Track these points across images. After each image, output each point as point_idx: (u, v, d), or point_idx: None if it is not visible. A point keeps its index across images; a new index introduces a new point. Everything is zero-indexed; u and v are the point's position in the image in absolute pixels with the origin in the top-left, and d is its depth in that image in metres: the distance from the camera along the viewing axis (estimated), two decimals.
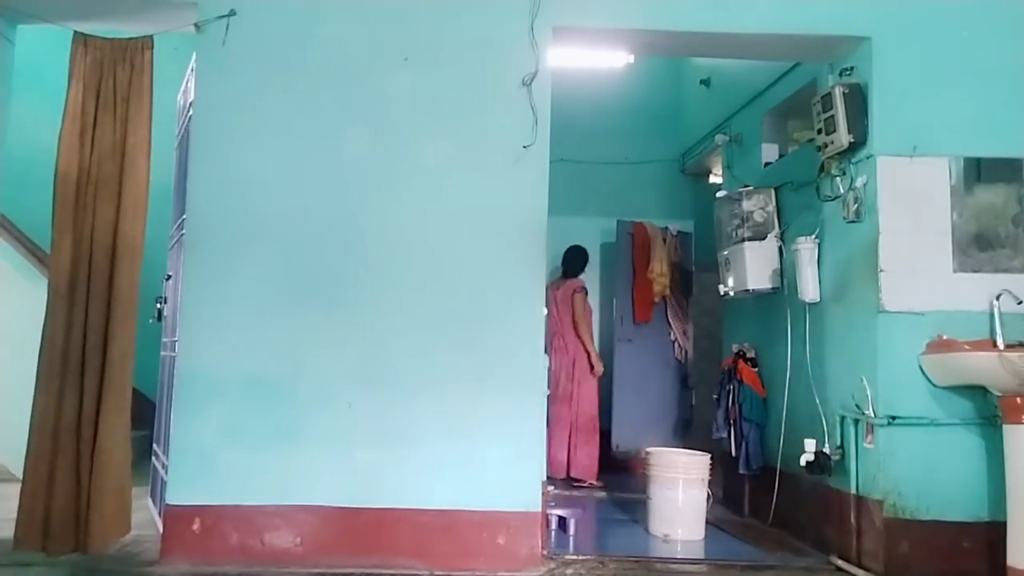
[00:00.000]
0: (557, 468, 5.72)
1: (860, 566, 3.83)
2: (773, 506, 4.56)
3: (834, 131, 3.99)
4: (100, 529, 3.64)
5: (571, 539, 4.34)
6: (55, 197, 3.75)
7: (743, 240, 4.79)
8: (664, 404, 6.79)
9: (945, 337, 3.77)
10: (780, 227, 4.75)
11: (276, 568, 3.59)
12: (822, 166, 4.24)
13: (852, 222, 4.02)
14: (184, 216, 4.01)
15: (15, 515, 3.63)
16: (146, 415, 5.00)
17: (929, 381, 3.79)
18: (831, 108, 3.99)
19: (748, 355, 4.97)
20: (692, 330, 6.97)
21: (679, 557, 4.09)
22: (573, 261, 6.32)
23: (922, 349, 3.79)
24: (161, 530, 3.78)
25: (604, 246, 7.13)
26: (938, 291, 3.83)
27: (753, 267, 4.75)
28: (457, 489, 3.72)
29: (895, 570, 3.69)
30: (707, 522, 4.53)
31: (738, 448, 4.86)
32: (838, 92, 3.97)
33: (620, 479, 6.00)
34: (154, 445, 4.74)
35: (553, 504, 4.42)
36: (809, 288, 4.29)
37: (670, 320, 6.86)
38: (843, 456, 4.02)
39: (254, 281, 3.81)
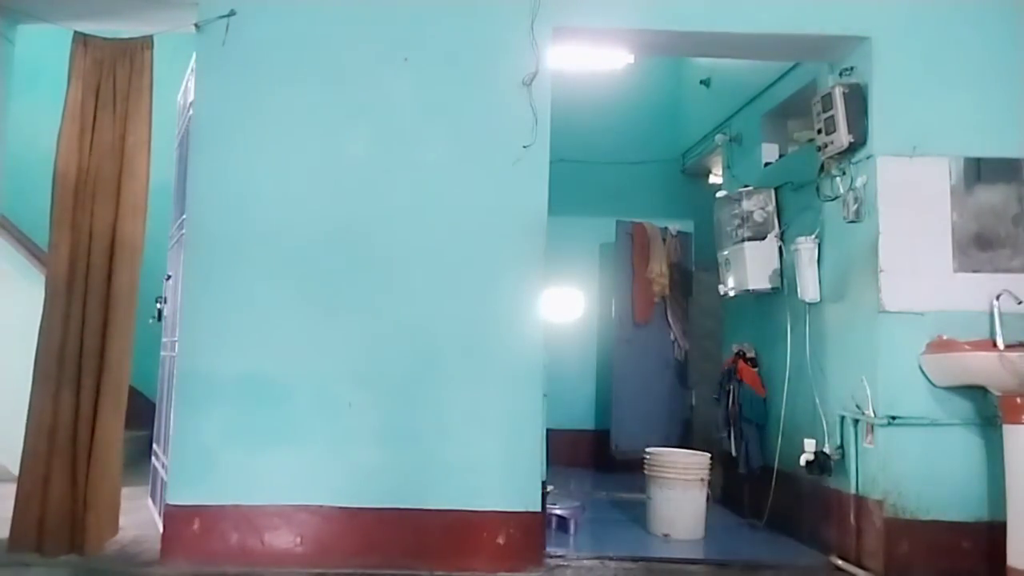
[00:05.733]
0: None
1: (860, 566, 3.83)
2: (773, 506, 4.55)
3: (834, 131, 3.99)
4: (96, 530, 3.65)
5: (571, 539, 4.34)
6: (54, 196, 3.75)
7: (743, 240, 4.79)
8: (664, 404, 6.79)
9: (945, 337, 3.77)
10: (780, 227, 4.75)
11: (276, 568, 3.59)
12: (822, 166, 4.24)
13: (852, 222, 4.02)
14: (184, 216, 4.00)
15: (10, 516, 3.63)
16: (146, 415, 5.00)
17: (929, 381, 3.79)
18: (831, 108, 3.99)
19: (748, 355, 4.97)
20: (692, 330, 6.97)
21: (679, 557, 4.08)
22: None
23: (922, 349, 3.79)
24: (161, 530, 3.78)
25: (604, 246, 7.13)
26: (938, 291, 3.83)
27: (753, 267, 4.75)
28: (457, 489, 3.72)
29: (895, 570, 3.69)
30: (707, 522, 4.53)
31: (738, 448, 4.86)
32: (838, 92, 3.97)
33: (620, 479, 6.00)
34: (154, 445, 4.74)
35: (553, 504, 4.42)
36: (809, 288, 4.29)
37: (670, 320, 6.86)
38: (843, 456, 4.02)
39: (254, 281, 3.81)
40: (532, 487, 3.76)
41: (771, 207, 4.78)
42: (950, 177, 3.91)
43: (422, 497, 3.70)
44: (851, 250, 4.06)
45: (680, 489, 4.46)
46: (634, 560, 3.99)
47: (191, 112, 4.00)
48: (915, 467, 3.74)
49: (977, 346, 3.68)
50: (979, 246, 3.87)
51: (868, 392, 3.82)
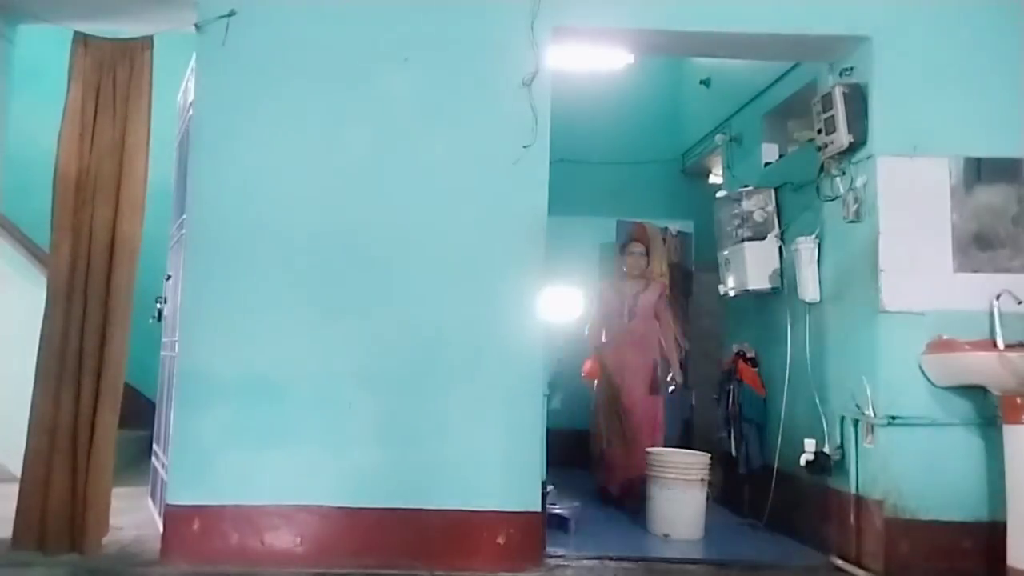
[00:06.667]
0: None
1: (860, 566, 3.83)
2: (773, 506, 4.55)
3: (834, 131, 3.99)
4: (95, 529, 3.65)
5: (571, 539, 4.34)
6: (54, 196, 3.76)
7: (743, 240, 4.79)
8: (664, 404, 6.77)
9: (945, 337, 3.77)
10: (780, 227, 4.75)
11: (276, 568, 3.59)
12: (822, 166, 4.24)
13: (852, 222, 4.02)
14: (184, 216, 4.01)
15: (13, 515, 3.64)
16: (146, 415, 5.00)
17: (929, 381, 3.79)
18: (831, 108, 3.99)
19: (748, 355, 4.97)
20: (692, 330, 6.95)
21: (679, 557, 4.08)
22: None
23: (922, 349, 3.79)
24: (161, 530, 3.78)
25: (604, 246, 7.12)
26: (938, 291, 3.83)
27: (753, 267, 4.75)
28: (457, 489, 3.72)
29: (895, 570, 3.69)
30: (707, 522, 4.53)
31: (738, 448, 4.86)
32: (838, 92, 3.97)
33: None
34: (154, 445, 4.74)
35: (553, 504, 4.42)
36: (809, 288, 4.29)
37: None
38: (843, 456, 4.02)
39: (254, 281, 3.81)
40: (532, 487, 3.76)
41: (771, 207, 4.78)
42: (950, 177, 3.91)
43: (422, 497, 3.70)
44: (851, 250, 4.06)
45: (680, 489, 4.46)
46: (634, 560, 3.99)
47: (191, 112, 4.00)
48: (915, 467, 3.74)
49: (977, 346, 3.68)
50: (979, 246, 3.87)
51: (868, 392, 3.82)
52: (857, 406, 3.91)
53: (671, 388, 5.32)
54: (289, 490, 3.69)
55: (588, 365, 5.40)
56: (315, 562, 3.63)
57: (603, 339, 5.48)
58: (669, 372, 5.33)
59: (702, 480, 4.54)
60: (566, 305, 7.02)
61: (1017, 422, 3.46)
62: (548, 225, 3.88)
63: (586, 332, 5.62)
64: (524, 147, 3.87)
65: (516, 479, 3.75)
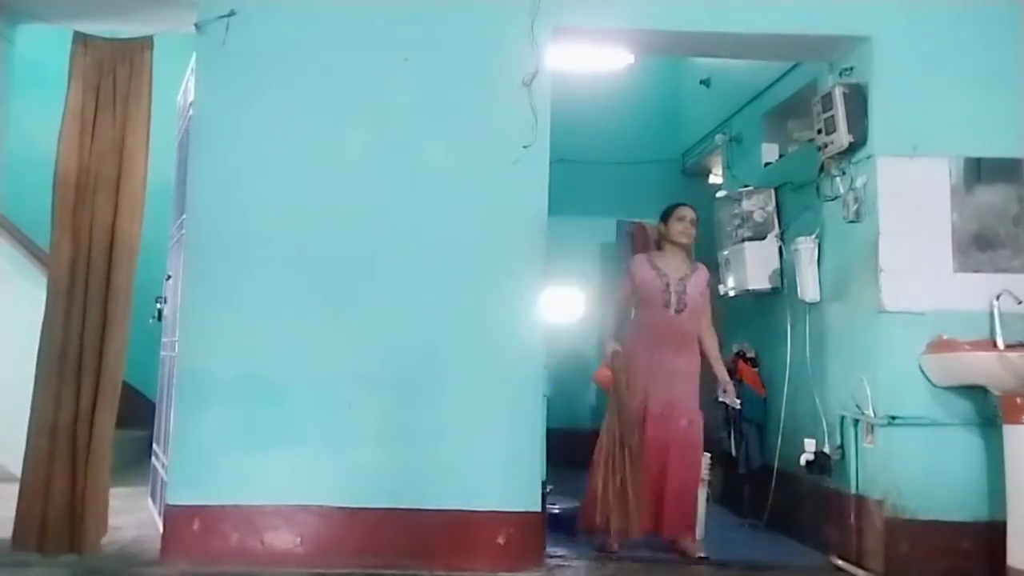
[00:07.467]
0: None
1: (860, 566, 3.83)
2: (773, 506, 4.55)
3: (834, 131, 3.99)
4: (94, 529, 3.65)
5: (571, 539, 4.33)
6: (54, 196, 3.76)
7: (743, 240, 4.80)
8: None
9: (945, 337, 3.77)
10: (780, 227, 4.75)
11: (276, 568, 3.59)
12: (822, 166, 4.24)
13: (852, 222, 4.02)
14: (184, 216, 4.01)
15: (13, 515, 3.64)
16: (146, 415, 4.99)
17: (929, 381, 3.79)
18: (831, 108, 4.00)
19: (748, 355, 4.97)
20: None
21: (679, 557, 4.07)
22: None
23: (922, 349, 3.79)
24: (161, 530, 3.78)
25: (604, 246, 7.13)
26: (938, 291, 3.83)
27: (753, 267, 4.75)
28: (457, 489, 3.72)
29: (895, 570, 3.69)
30: (707, 522, 4.52)
31: (738, 448, 4.86)
32: (838, 92, 3.97)
33: None
34: (154, 445, 4.73)
35: (553, 504, 4.41)
36: (809, 288, 4.29)
37: None
38: (843, 456, 4.02)
39: (254, 281, 3.81)
40: (532, 487, 3.76)
41: (771, 207, 4.78)
42: (950, 177, 3.91)
43: (422, 497, 3.70)
44: (851, 250, 4.06)
45: None
46: (634, 560, 3.99)
47: (191, 112, 4.00)
48: (915, 467, 3.74)
49: (977, 346, 3.68)
50: (979, 246, 3.87)
51: (868, 392, 3.82)
52: (857, 406, 3.91)
53: (732, 404, 4.34)
54: (289, 490, 3.69)
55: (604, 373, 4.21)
56: (315, 562, 3.63)
57: (630, 333, 4.25)
58: (718, 388, 4.26)
59: (702, 480, 4.54)
60: (566, 305, 7.04)
61: (1017, 422, 3.46)
62: (548, 225, 3.88)
63: (606, 325, 4.38)
64: (524, 147, 3.86)
65: (516, 479, 3.75)
